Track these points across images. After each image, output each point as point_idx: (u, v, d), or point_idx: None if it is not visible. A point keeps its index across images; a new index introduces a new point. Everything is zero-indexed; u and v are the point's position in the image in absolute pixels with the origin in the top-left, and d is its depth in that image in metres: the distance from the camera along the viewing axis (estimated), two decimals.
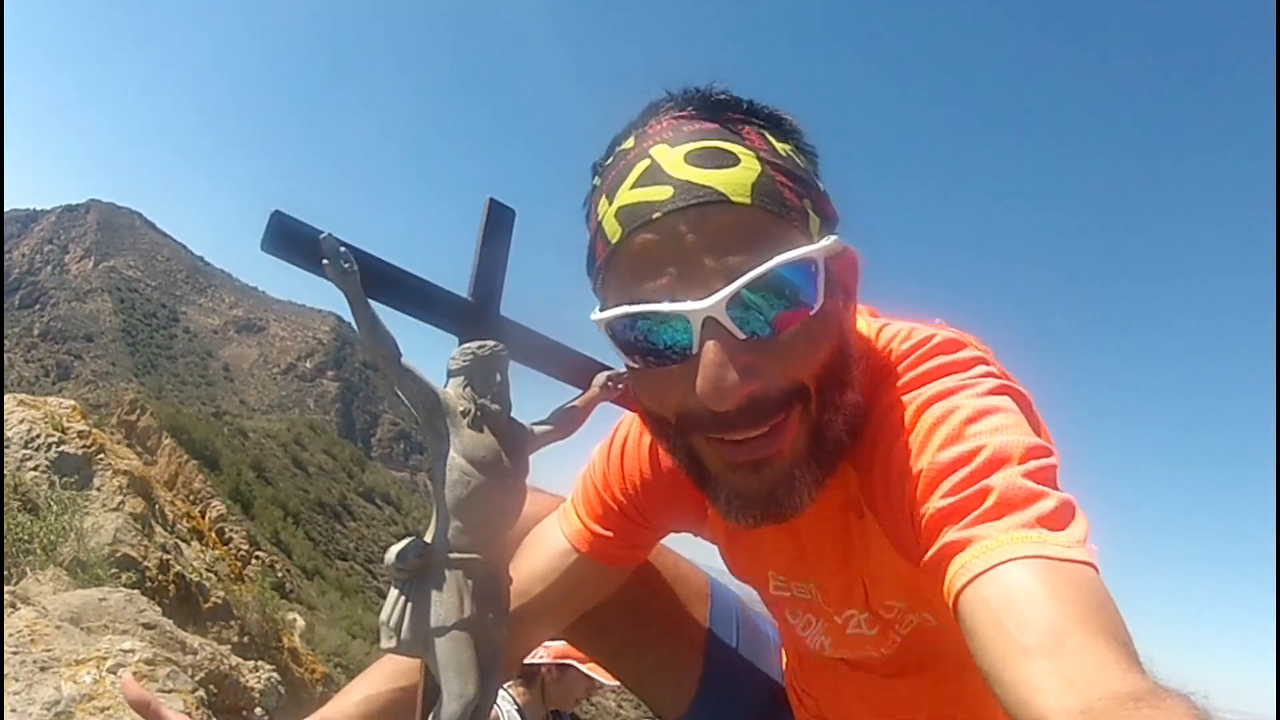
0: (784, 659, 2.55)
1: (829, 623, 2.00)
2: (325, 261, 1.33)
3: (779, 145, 1.54)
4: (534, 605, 2.02)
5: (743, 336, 1.42)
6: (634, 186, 1.47)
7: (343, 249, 1.34)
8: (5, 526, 4.93)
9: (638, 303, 1.45)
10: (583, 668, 5.12)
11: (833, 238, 1.52)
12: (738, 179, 1.43)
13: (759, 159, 1.47)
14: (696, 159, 1.44)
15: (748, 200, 1.43)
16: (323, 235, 1.32)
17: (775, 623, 2.48)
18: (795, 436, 1.52)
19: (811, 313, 1.46)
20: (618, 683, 3.14)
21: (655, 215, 1.42)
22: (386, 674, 2.11)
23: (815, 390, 1.51)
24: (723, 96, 1.55)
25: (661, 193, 1.43)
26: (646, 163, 1.47)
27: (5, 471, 5.79)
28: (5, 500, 5.31)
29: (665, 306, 1.42)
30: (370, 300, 1.37)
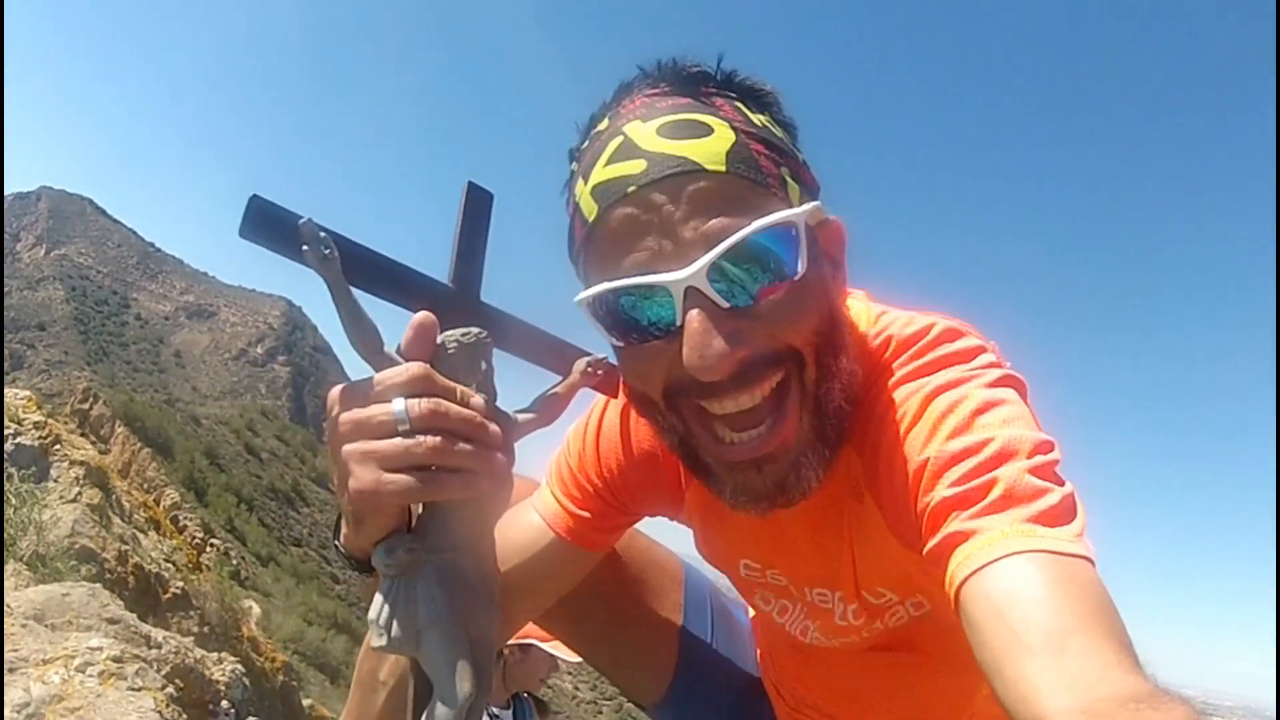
0: (757, 647, 2.58)
1: (808, 607, 2.00)
2: (305, 247, 1.29)
3: (754, 116, 1.54)
4: (507, 583, 2.01)
5: (726, 305, 1.41)
6: (608, 163, 1.47)
7: (323, 234, 1.30)
8: None
9: (618, 278, 1.45)
10: (545, 646, 5.09)
11: (814, 204, 1.53)
12: (712, 148, 1.43)
13: (733, 128, 1.47)
14: (669, 131, 1.44)
15: (722, 168, 1.42)
16: (302, 220, 1.29)
17: (748, 608, 2.49)
18: (797, 423, 1.53)
19: (795, 280, 1.46)
20: (580, 659, 3.15)
21: (630, 189, 1.42)
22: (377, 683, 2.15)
23: (811, 356, 1.51)
24: (695, 70, 1.55)
25: (635, 166, 1.43)
26: (620, 139, 1.47)
27: None
28: None
29: (646, 279, 1.42)
30: (350, 287, 1.34)
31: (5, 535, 5.02)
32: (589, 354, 1.66)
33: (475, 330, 1.42)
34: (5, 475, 6.01)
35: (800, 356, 1.51)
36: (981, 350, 1.65)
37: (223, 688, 4.53)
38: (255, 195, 1.36)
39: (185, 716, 3.31)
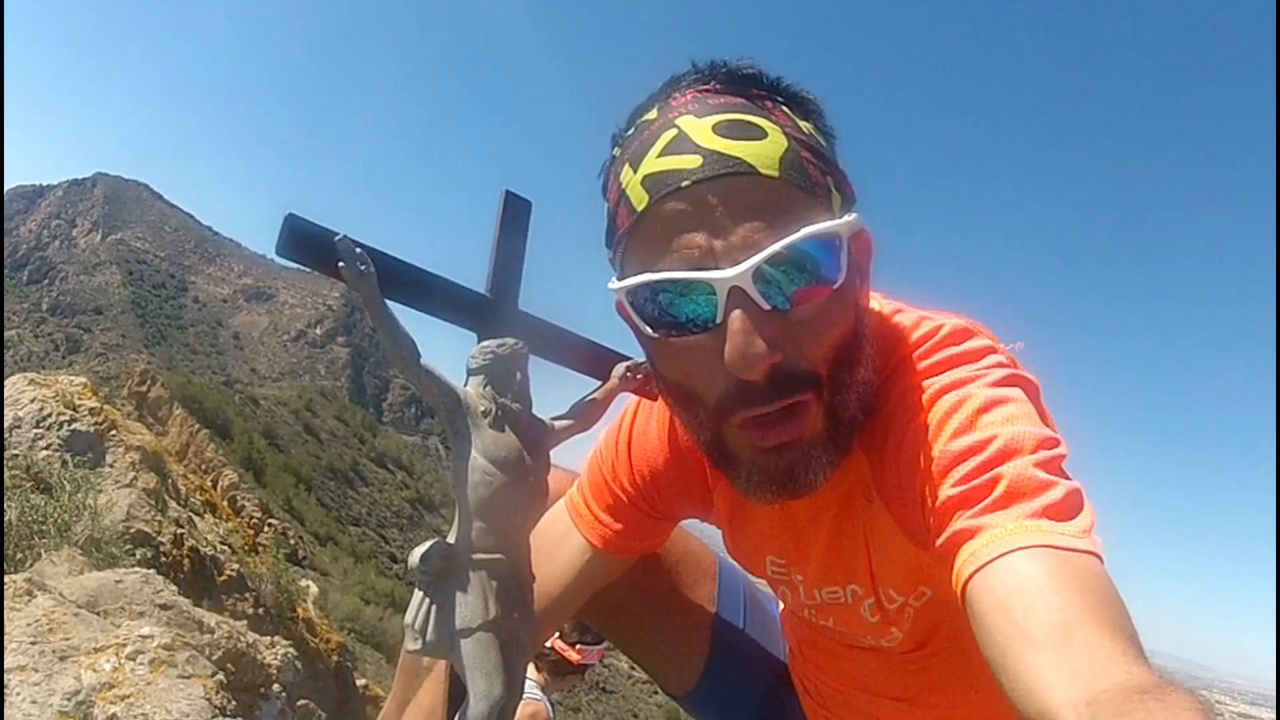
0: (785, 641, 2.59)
1: (828, 603, 2.01)
2: (341, 264, 1.31)
3: (801, 123, 1.54)
4: (542, 589, 2.03)
5: (767, 308, 1.42)
6: (661, 155, 1.47)
7: (358, 250, 1.32)
8: (20, 509, 4.93)
9: (662, 270, 1.45)
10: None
11: (854, 215, 1.53)
12: (766, 152, 1.44)
13: (785, 134, 1.48)
14: (724, 130, 1.45)
15: (776, 173, 1.43)
16: (338, 237, 1.31)
17: (779, 603, 2.51)
18: (815, 419, 1.52)
19: (833, 289, 1.47)
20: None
21: (684, 183, 1.42)
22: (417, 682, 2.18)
23: (827, 375, 1.51)
24: (749, 71, 1.55)
25: (690, 161, 1.43)
26: (673, 132, 1.47)
27: (19, 453, 5.80)
28: (19, 482, 5.32)
29: (691, 274, 1.42)
30: (387, 300, 1.36)
31: (60, 520, 5.09)
32: (628, 359, 1.68)
33: (510, 341, 1.44)
34: (60, 462, 6.09)
35: (820, 380, 1.51)
36: (990, 351, 1.66)
37: (275, 671, 4.56)
38: (291, 214, 1.39)
39: (235, 702, 3.35)
